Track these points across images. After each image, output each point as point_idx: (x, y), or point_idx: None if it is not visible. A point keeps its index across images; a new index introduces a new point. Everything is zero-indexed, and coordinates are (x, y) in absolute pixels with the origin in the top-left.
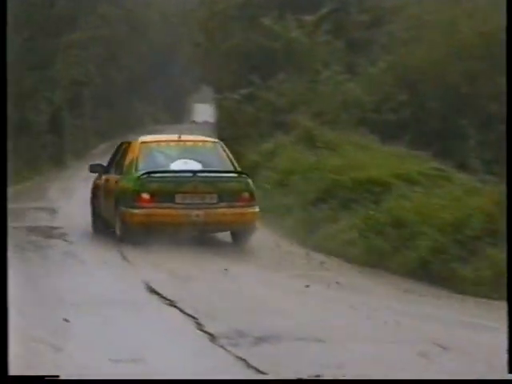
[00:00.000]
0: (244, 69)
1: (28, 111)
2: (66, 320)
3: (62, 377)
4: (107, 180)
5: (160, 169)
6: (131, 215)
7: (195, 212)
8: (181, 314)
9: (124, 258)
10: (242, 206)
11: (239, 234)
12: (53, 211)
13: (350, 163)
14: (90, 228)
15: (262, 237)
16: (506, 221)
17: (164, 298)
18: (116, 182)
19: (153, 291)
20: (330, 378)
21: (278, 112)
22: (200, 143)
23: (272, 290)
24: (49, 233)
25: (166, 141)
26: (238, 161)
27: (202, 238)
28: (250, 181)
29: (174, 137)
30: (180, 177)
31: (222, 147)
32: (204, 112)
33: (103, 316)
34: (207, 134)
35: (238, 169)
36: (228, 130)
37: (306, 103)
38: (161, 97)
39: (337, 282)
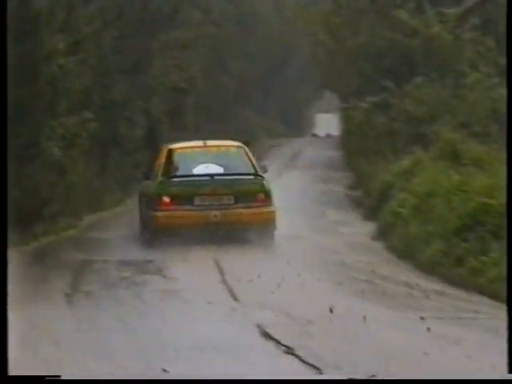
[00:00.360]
0: (375, 72)
1: (120, 123)
2: (165, 370)
3: (63, 377)
4: (145, 186)
5: (183, 173)
6: (154, 218)
7: (213, 213)
8: (300, 363)
9: (231, 295)
10: (258, 206)
11: (260, 233)
12: None
13: (502, 183)
14: (191, 261)
15: (395, 270)
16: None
17: (280, 343)
18: (148, 187)
19: (266, 335)
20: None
21: (416, 123)
22: (223, 148)
23: (408, 334)
24: (143, 267)
25: (191, 147)
26: (367, 181)
27: (308, 268)
28: (265, 182)
29: (200, 143)
30: (198, 180)
31: (246, 151)
32: (327, 123)
33: (210, 363)
34: (330, 148)
35: (259, 171)
36: (355, 145)
37: (450, 112)
38: (276, 105)
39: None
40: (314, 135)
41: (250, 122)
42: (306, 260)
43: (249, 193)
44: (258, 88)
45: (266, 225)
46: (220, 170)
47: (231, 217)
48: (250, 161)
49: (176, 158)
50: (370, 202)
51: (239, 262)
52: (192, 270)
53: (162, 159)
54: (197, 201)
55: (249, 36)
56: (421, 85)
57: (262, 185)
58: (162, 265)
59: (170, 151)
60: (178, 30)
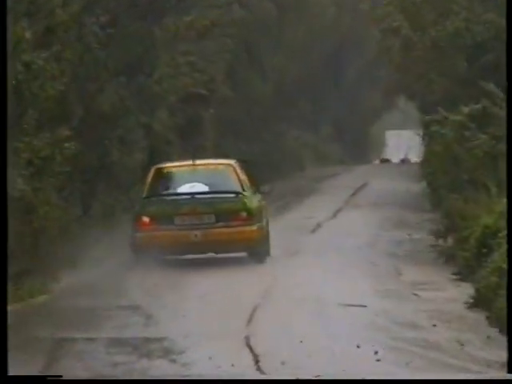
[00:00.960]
0: (471, 70)
1: (110, 144)
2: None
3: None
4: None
5: (167, 192)
6: (134, 238)
7: (194, 232)
8: None
9: None
10: (239, 225)
11: (249, 255)
12: (147, 315)
13: None
14: (215, 336)
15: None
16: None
17: None
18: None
19: None
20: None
21: None
22: (212, 166)
23: None
24: (144, 348)
25: (178, 166)
26: (461, 225)
27: None
28: (247, 200)
29: (189, 162)
30: (179, 199)
31: (235, 169)
32: (402, 144)
33: None
34: (406, 179)
35: (248, 189)
36: (443, 174)
37: None
38: (329, 119)
39: None
40: (385, 160)
41: (289, 140)
42: (369, 339)
43: (230, 211)
44: (303, 95)
45: (249, 244)
46: (205, 188)
47: (212, 236)
48: (238, 179)
49: (161, 177)
50: (465, 254)
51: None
52: (215, 352)
53: (149, 179)
54: (177, 220)
55: (291, 22)
56: None
57: (244, 203)
58: (171, 344)
59: (157, 170)
60: (192, 12)
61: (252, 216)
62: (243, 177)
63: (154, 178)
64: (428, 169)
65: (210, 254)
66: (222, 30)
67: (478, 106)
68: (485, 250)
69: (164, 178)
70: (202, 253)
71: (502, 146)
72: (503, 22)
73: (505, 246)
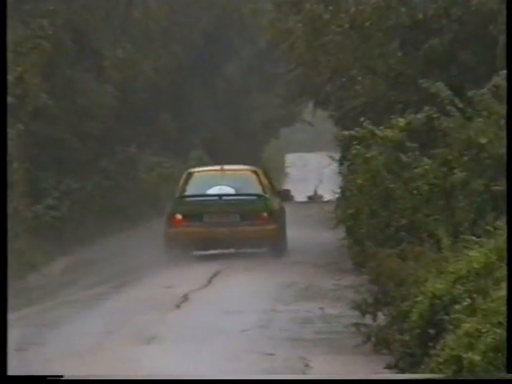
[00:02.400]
0: (405, 60)
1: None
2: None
3: (66, 377)
4: None
5: (196, 193)
6: (167, 234)
7: (220, 229)
8: None
9: None
10: (261, 224)
11: (269, 250)
12: None
13: None
14: None
15: None
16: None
17: None
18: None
19: None
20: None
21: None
22: (238, 172)
23: None
24: None
25: (208, 170)
26: (395, 288)
27: None
28: (268, 202)
29: (218, 167)
30: (208, 200)
31: (258, 175)
32: (308, 172)
33: None
34: (317, 226)
35: (269, 192)
36: (373, 220)
37: None
38: (202, 139)
39: None
40: (284, 197)
41: (143, 170)
42: None
43: (253, 211)
44: (163, 105)
45: (269, 241)
46: (232, 191)
47: (237, 233)
48: (261, 184)
49: (193, 180)
50: (404, 338)
51: None
52: None
53: (182, 181)
54: (206, 218)
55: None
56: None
57: (266, 205)
58: None
59: (189, 174)
60: None
61: (272, 216)
62: (265, 182)
63: (186, 181)
64: (348, 210)
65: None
66: (35, 6)
67: (421, 117)
68: (433, 332)
69: (195, 181)
70: (227, 248)
71: (457, 176)
72: None
73: (466, 325)
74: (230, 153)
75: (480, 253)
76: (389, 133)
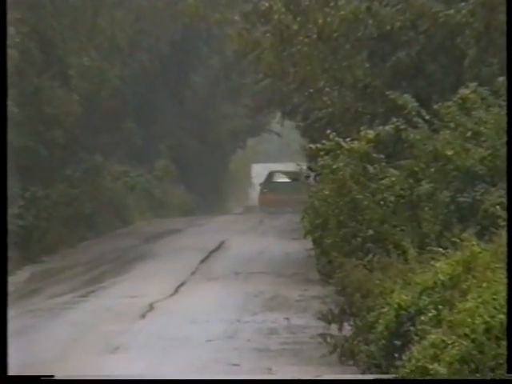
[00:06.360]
0: (373, 71)
1: None
2: None
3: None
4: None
5: (273, 181)
6: (261, 198)
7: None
8: None
9: None
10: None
11: None
12: None
13: None
14: None
15: None
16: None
17: None
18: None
19: None
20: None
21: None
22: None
23: None
24: None
25: (278, 171)
26: (361, 299)
27: None
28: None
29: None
30: (278, 183)
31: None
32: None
33: None
34: (284, 236)
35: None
36: (340, 231)
37: None
38: (168, 148)
39: None
40: (251, 208)
41: (107, 180)
42: None
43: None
44: (127, 113)
45: None
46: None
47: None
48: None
49: (271, 174)
50: (371, 349)
51: None
52: None
53: (266, 176)
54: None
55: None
56: (467, 100)
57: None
58: None
59: (271, 172)
60: None
61: None
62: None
63: (268, 175)
64: (315, 220)
65: None
66: None
67: (388, 128)
68: (398, 343)
69: (272, 175)
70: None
71: (424, 187)
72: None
73: (432, 337)
74: (196, 162)
75: (446, 264)
76: (355, 145)
